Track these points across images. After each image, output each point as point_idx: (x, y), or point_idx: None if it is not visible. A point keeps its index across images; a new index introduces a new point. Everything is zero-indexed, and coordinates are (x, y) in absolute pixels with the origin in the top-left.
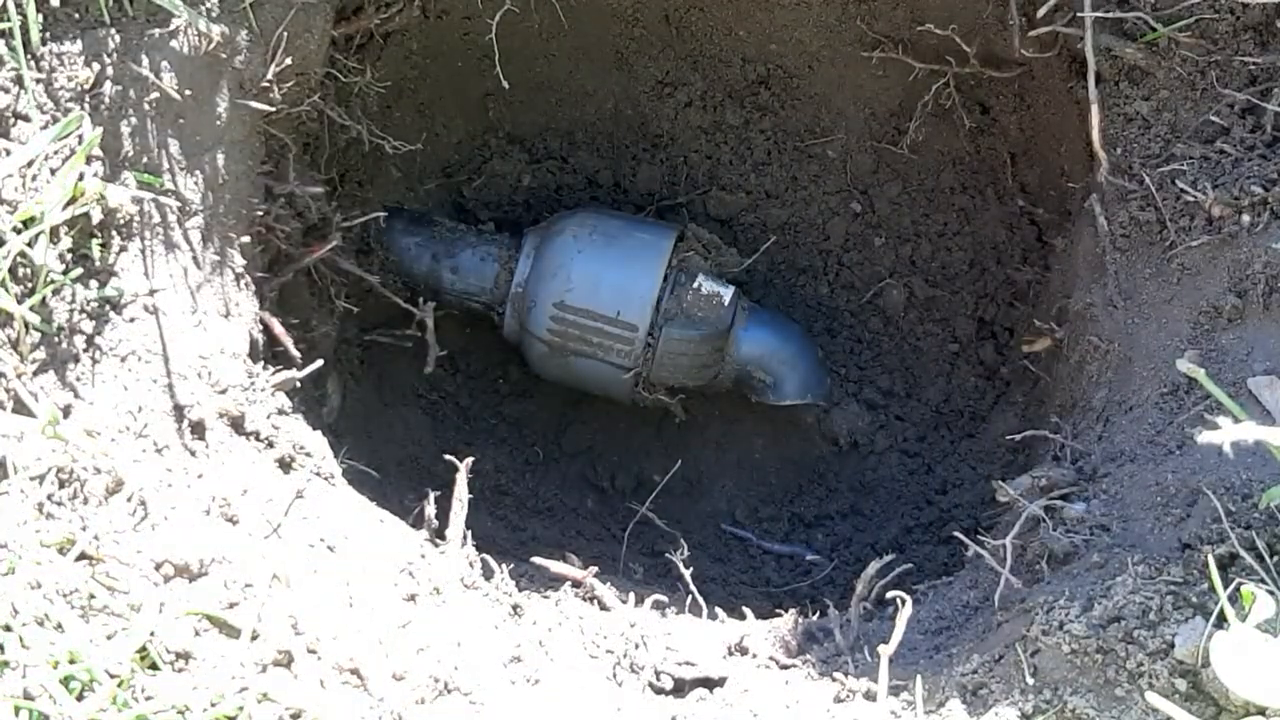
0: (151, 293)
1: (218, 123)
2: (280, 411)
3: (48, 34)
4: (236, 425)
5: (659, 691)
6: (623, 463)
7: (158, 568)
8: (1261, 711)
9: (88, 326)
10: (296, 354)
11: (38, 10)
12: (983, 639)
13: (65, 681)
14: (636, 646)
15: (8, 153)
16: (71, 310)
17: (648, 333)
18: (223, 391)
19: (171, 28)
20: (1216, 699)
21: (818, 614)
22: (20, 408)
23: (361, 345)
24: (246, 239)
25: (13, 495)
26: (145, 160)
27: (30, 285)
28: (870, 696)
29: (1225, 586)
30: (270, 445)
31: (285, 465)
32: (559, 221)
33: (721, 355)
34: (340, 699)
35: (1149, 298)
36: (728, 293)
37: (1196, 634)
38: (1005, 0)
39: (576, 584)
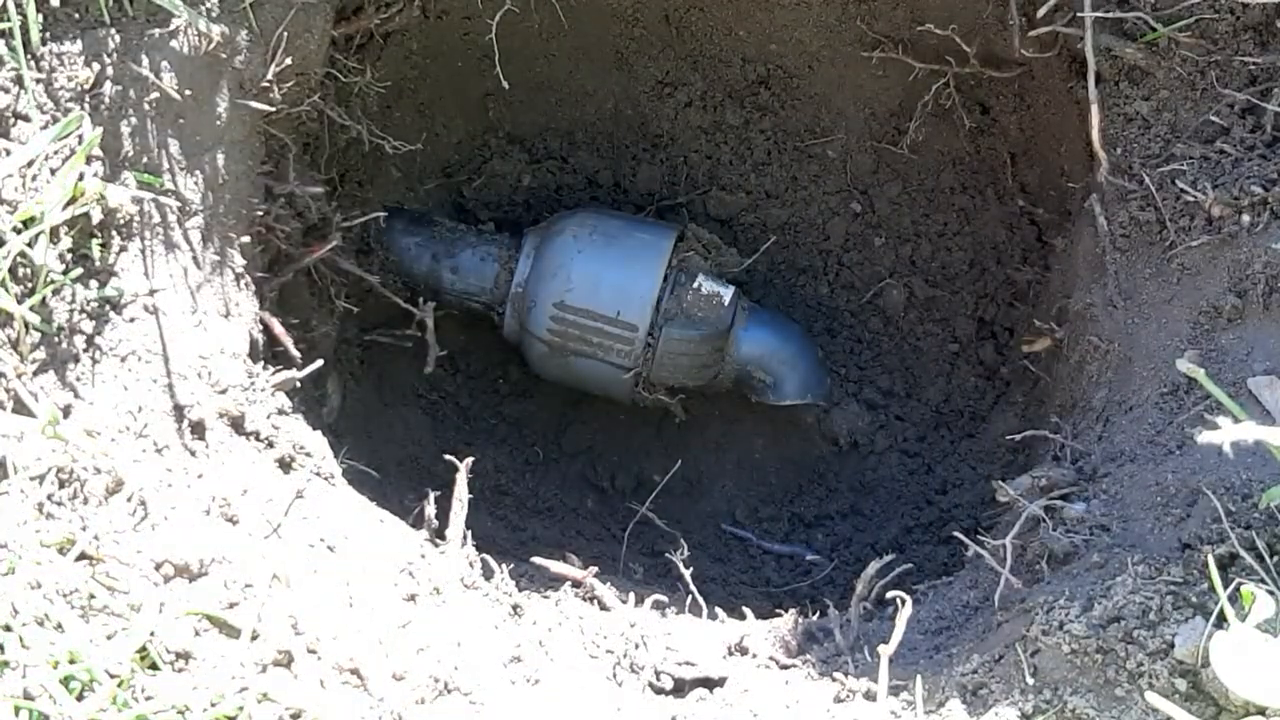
0: (151, 293)
1: (218, 123)
2: (280, 411)
3: (48, 34)
4: (236, 425)
5: (659, 691)
6: (623, 463)
7: (158, 568)
8: (1261, 711)
9: (88, 326)
10: (296, 354)
11: (38, 10)
12: (983, 639)
13: (65, 681)
14: (636, 646)
15: (8, 153)
16: (71, 310)
17: (648, 333)
18: (223, 391)
19: (171, 28)
20: (1216, 699)
21: (818, 614)
22: (20, 408)
23: (361, 345)
24: (246, 239)
25: (13, 495)
26: (145, 160)
27: (30, 285)
28: (870, 696)
29: (1225, 586)
30: (270, 445)
31: (285, 465)
32: (559, 221)
33: (721, 355)
34: (340, 699)
35: (1149, 298)
36: (728, 293)
37: (1196, 634)
38: (1005, 0)
39: (576, 584)
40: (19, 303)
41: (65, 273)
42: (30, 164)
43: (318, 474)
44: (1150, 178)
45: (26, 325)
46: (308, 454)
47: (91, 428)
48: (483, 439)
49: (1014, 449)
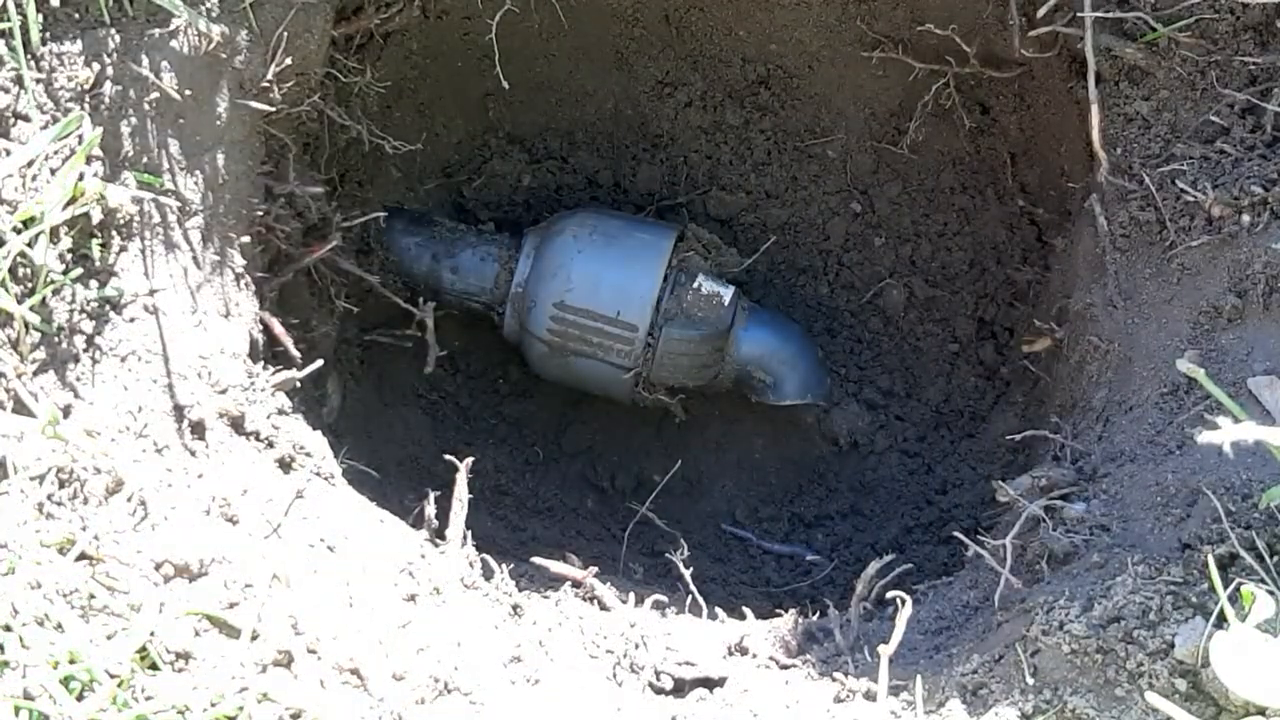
0: (151, 293)
1: (218, 123)
2: (280, 411)
3: (48, 34)
4: (236, 425)
5: (659, 691)
6: (623, 463)
7: (158, 568)
8: (1261, 711)
9: (88, 326)
10: (296, 354)
11: (38, 10)
12: (983, 639)
13: (65, 681)
14: (636, 646)
15: (8, 153)
16: (71, 310)
17: (648, 333)
18: (223, 391)
19: (171, 28)
20: (1216, 699)
21: (818, 614)
22: (20, 408)
23: (361, 345)
24: (246, 239)
25: (13, 495)
26: (145, 160)
27: (30, 285)
28: (870, 696)
29: (1225, 586)
30: (270, 445)
31: (285, 465)
32: (559, 221)
33: (721, 355)
34: (340, 699)
35: (1149, 298)
36: (728, 293)
37: (1196, 634)
38: (1005, 0)
39: (576, 584)
40: (19, 303)
41: (65, 273)
42: (30, 164)
43: (318, 474)
44: (1150, 178)
45: (26, 325)
46: (308, 454)
47: (91, 428)
48: (483, 439)
49: (1014, 449)
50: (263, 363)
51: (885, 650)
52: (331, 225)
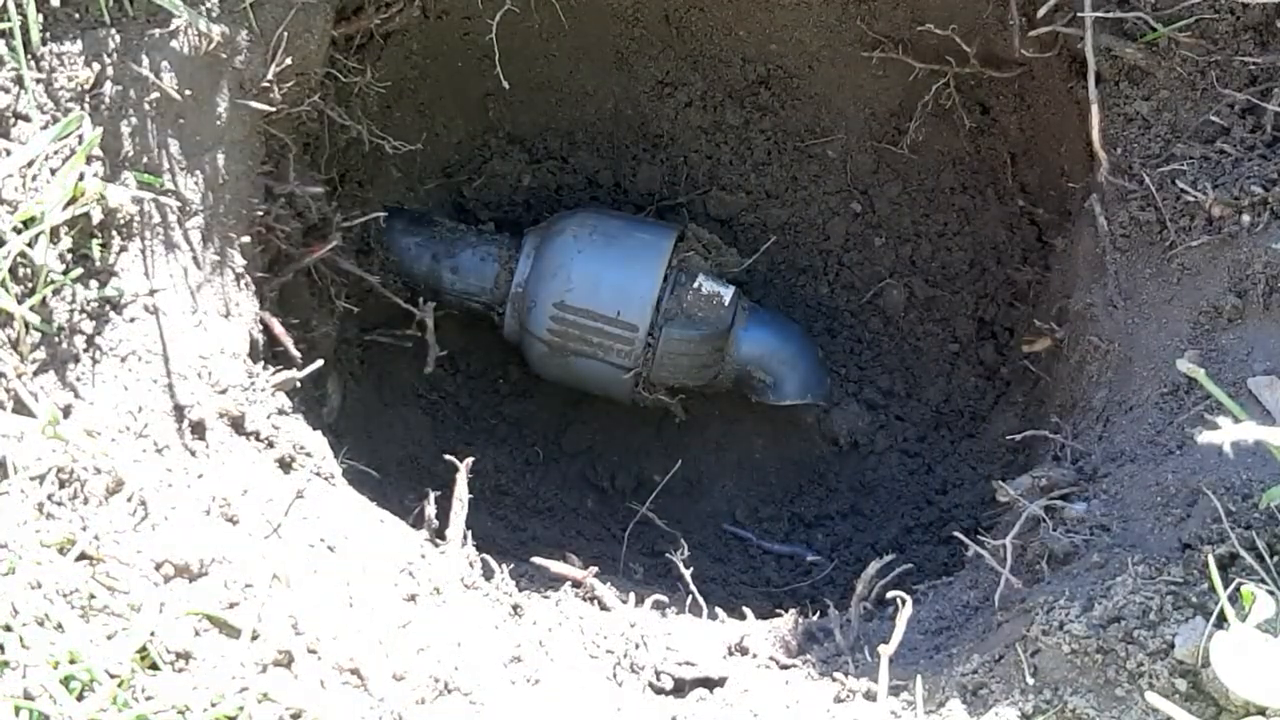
0: (151, 293)
1: (218, 123)
2: (280, 411)
3: (48, 34)
4: (236, 425)
5: (659, 691)
6: (623, 463)
7: (158, 568)
8: (1261, 711)
9: (88, 326)
10: (296, 354)
11: (38, 10)
12: (983, 639)
13: (65, 681)
14: (636, 646)
15: (8, 153)
16: (71, 310)
17: (648, 333)
18: (223, 391)
19: (171, 28)
20: (1216, 699)
21: (818, 614)
22: (20, 408)
23: (361, 345)
24: (246, 239)
25: (13, 495)
26: (145, 160)
27: (30, 285)
28: (870, 696)
29: (1225, 586)
30: (270, 445)
31: (285, 465)
32: (559, 221)
33: (721, 355)
34: (340, 699)
35: (1149, 298)
36: (728, 293)
37: (1196, 634)
38: (1005, 0)
39: (576, 584)
40: (19, 303)
41: (65, 273)
42: (30, 164)
43: (318, 474)
44: (1150, 178)
45: (26, 325)
46: (308, 454)
47: (91, 428)
48: (483, 439)
49: (1014, 449)
50: (263, 363)
51: (885, 650)
52: (331, 225)
